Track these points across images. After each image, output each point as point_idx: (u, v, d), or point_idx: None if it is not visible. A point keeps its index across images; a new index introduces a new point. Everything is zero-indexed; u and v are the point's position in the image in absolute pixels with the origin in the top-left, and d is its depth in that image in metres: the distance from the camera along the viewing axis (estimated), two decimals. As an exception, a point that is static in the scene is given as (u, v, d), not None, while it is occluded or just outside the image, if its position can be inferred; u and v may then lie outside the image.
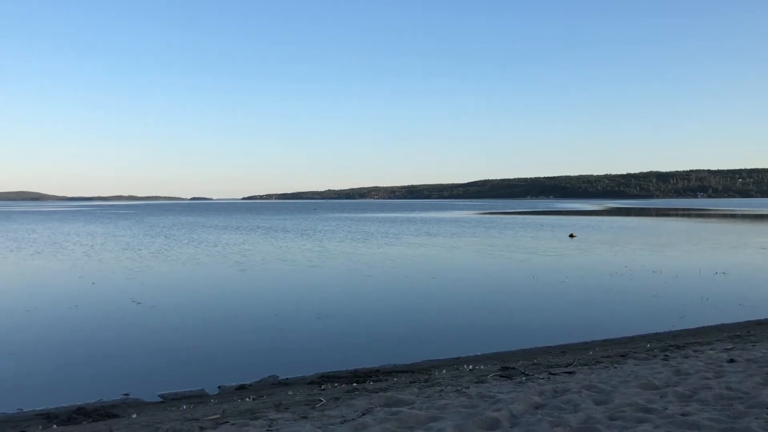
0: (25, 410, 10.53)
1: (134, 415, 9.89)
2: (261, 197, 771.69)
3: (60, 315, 18.85)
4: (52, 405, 10.73)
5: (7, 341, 15.41)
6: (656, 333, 15.85)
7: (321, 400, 9.71)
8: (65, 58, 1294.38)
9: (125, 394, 11.36)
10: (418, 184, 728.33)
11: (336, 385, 11.54)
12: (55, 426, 9.47)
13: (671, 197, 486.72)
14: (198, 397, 11.23)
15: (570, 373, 10.76)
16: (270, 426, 8.08)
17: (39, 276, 28.37)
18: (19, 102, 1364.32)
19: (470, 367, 12.57)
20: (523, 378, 10.58)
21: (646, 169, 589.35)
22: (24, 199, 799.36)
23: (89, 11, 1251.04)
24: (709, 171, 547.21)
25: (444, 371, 12.25)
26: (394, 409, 8.47)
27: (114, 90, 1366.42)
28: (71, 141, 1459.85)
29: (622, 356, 12.52)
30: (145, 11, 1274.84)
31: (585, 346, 14.51)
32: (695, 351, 12.45)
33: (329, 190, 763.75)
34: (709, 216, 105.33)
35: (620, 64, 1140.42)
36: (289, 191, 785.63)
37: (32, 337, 15.99)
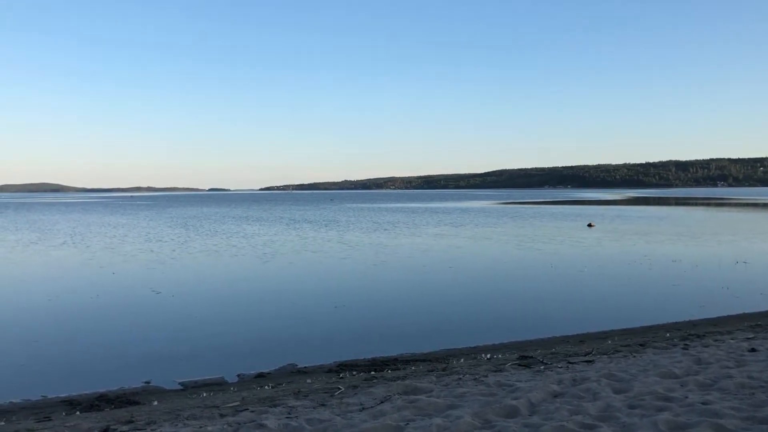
0: (49, 397, 10.70)
1: (155, 403, 10.01)
2: (278, 188, 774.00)
3: (82, 304, 19.09)
4: (75, 392, 10.89)
5: (31, 329, 15.64)
6: (676, 322, 15.72)
7: (339, 388, 9.76)
8: (85, 52, 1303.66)
9: (146, 382, 11.50)
10: (435, 174, 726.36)
11: (354, 373, 11.60)
12: (78, 412, 9.61)
13: (691, 186, 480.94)
14: (218, 385, 11.34)
15: (589, 362, 10.72)
16: (289, 413, 8.13)
17: (61, 266, 28.73)
18: (40, 96, 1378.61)
19: (488, 356, 12.57)
20: (542, 367, 10.55)
21: (665, 158, 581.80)
22: (45, 191, 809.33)
23: (109, 3, 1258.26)
24: (729, 159, 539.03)
25: (462, 360, 12.26)
26: (412, 397, 8.49)
27: (132, 83, 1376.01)
28: (90, 133, 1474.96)
29: (641, 345, 12.45)
30: (164, 2, 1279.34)
31: (604, 336, 14.44)
32: (716, 340, 12.34)
33: (345, 181, 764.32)
34: (730, 205, 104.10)
35: (639, 50, 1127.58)
36: (305, 182, 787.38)
37: (55, 325, 16.23)
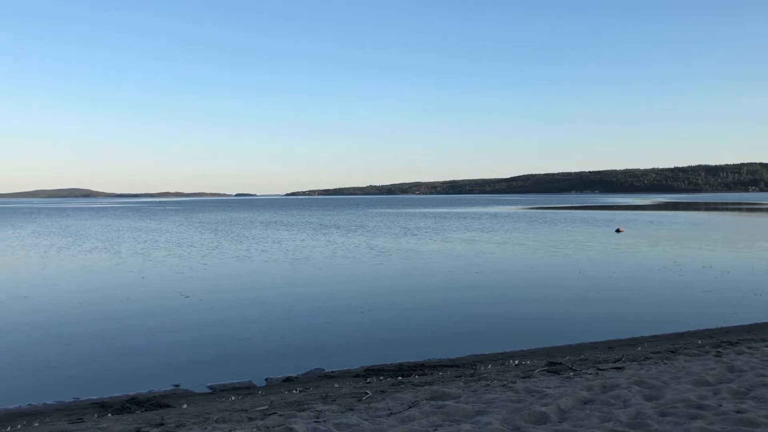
0: (81, 399, 10.87)
1: (185, 406, 10.11)
2: (303, 193, 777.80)
3: (112, 307, 19.37)
4: (106, 394, 11.06)
5: (63, 332, 15.91)
6: (707, 329, 15.46)
7: (367, 393, 9.76)
8: (114, 60, 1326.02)
9: (175, 385, 11.62)
10: (460, 179, 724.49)
11: (381, 378, 11.59)
12: (109, 414, 9.75)
13: (721, 191, 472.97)
14: (246, 389, 11.42)
15: (618, 368, 10.59)
16: (317, 417, 8.16)
17: (92, 270, 29.18)
18: (70, 104, 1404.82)
19: (516, 362, 12.48)
20: (571, 373, 10.45)
21: (694, 163, 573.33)
22: (75, 196, 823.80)
23: (137, 12, 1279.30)
24: (761, 164, 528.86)
25: (489, 366, 12.19)
26: (440, 403, 8.47)
27: (160, 91, 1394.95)
28: (120, 140, 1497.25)
29: (672, 352, 12.26)
30: (189, 11, 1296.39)
31: (633, 342, 14.26)
32: (749, 348, 12.10)
33: (371, 186, 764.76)
34: (762, 210, 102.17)
35: (668, 51, 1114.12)
36: (331, 187, 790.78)
37: (86, 328, 16.49)
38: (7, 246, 43.07)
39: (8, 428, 9.01)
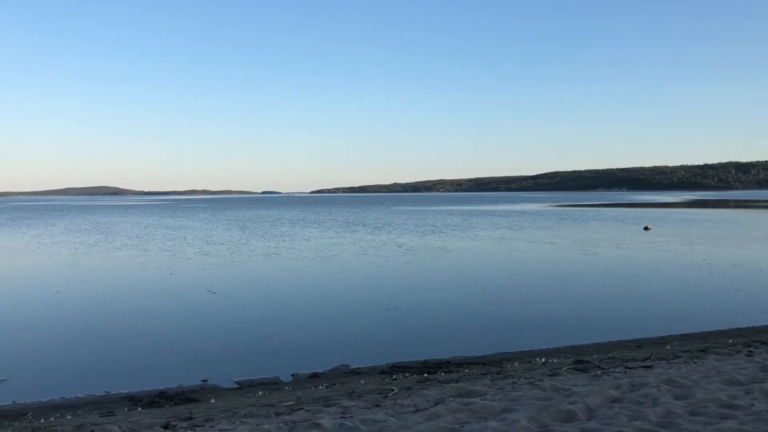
0: (111, 393, 11.06)
1: (213, 400, 10.23)
2: (329, 191, 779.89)
3: (141, 304, 19.65)
4: (136, 388, 11.24)
5: (94, 328, 16.18)
6: (738, 328, 15.20)
7: (393, 389, 9.78)
8: (140, 60, 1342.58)
9: (203, 380, 11.76)
10: (485, 176, 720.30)
11: (407, 375, 11.61)
12: (139, 408, 9.89)
13: (752, 189, 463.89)
14: (273, 384, 11.52)
15: (647, 367, 10.47)
16: (344, 413, 8.19)
17: (122, 266, 29.61)
18: (99, 104, 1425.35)
19: (543, 360, 12.41)
20: (599, 371, 10.36)
21: (724, 159, 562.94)
22: (104, 194, 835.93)
23: (164, 13, 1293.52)
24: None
25: (516, 364, 12.13)
26: (466, 400, 8.45)
27: (187, 90, 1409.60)
28: (147, 139, 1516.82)
29: (702, 351, 12.09)
30: (215, 12, 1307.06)
31: (662, 341, 14.09)
32: (782, 347, 11.89)
33: (395, 184, 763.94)
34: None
35: (695, 44, 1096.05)
36: (355, 185, 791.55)
37: (116, 324, 16.75)
38: (40, 243, 43.91)
39: (42, 420, 9.20)
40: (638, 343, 13.92)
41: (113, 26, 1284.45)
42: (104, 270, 28.58)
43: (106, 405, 10.29)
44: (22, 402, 10.59)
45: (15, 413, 9.93)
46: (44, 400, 10.68)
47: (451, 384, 9.83)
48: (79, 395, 10.91)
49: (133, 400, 10.48)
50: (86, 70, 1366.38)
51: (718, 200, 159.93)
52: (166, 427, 8.17)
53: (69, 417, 9.43)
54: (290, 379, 11.89)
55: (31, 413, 9.81)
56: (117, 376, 12.10)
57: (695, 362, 10.75)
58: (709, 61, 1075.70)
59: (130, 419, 8.73)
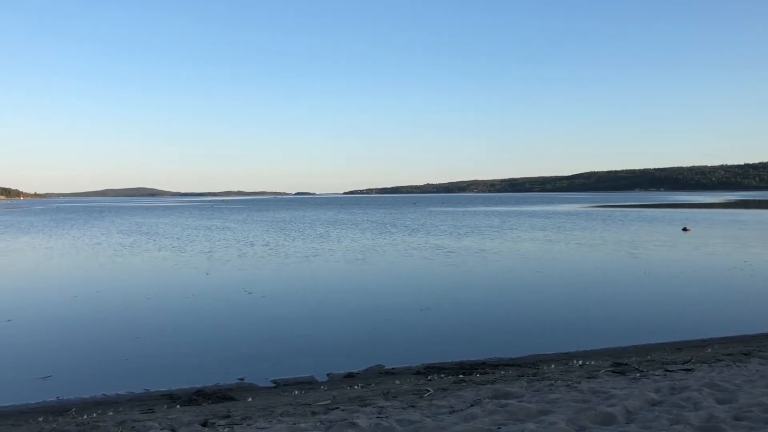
0: (151, 390, 11.25)
1: (250, 399, 10.34)
2: (362, 191, 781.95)
3: (178, 303, 19.96)
4: (175, 386, 11.42)
5: (133, 327, 16.49)
6: (783, 332, 14.83)
7: (428, 390, 9.77)
8: (171, 65, 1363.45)
9: (240, 379, 11.89)
10: (519, 177, 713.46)
11: (442, 376, 11.58)
12: (178, 406, 10.05)
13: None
14: (308, 384, 11.59)
15: (688, 370, 10.28)
16: (380, 413, 8.21)
17: (160, 266, 30.12)
18: (136, 107, 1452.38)
19: (580, 362, 12.26)
20: (637, 374, 10.20)
21: (766, 159, 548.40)
22: (141, 195, 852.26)
23: (189, 19, 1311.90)
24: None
25: (552, 366, 12.01)
26: (503, 401, 8.40)
27: (221, 93, 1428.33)
28: (184, 141, 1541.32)
29: (745, 354, 11.82)
30: (239, 17, 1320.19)
31: (703, 344, 13.80)
32: (829, 351, 11.57)
33: (428, 184, 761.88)
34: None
35: (732, 49, 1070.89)
36: (388, 185, 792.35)
37: (154, 323, 17.05)
38: (82, 244, 44.89)
39: (85, 416, 9.41)
40: (678, 346, 13.67)
41: (151, 33, 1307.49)
42: (143, 270, 29.09)
43: (146, 402, 10.48)
44: (65, 398, 10.85)
45: (59, 409, 10.19)
46: (86, 396, 10.91)
47: (487, 385, 9.78)
48: (120, 392, 11.13)
49: (172, 398, 10.66)
50: (126, 78, 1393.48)
51: (760, 200, 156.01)
52: (204, 424, 8.29)
53: (111, 413, 9.63)
54: (325, 378, 11.95)
55: (74, 409, 10.06)
56: (156, 374, 12.31)
57: (738, 366, 10.51)
58: (749, 61, 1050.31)
59: (170, 416, 8.88)
